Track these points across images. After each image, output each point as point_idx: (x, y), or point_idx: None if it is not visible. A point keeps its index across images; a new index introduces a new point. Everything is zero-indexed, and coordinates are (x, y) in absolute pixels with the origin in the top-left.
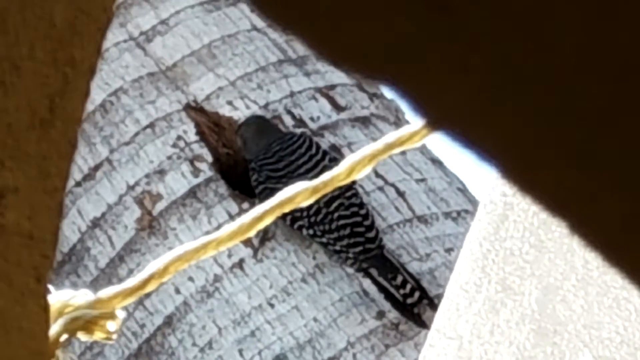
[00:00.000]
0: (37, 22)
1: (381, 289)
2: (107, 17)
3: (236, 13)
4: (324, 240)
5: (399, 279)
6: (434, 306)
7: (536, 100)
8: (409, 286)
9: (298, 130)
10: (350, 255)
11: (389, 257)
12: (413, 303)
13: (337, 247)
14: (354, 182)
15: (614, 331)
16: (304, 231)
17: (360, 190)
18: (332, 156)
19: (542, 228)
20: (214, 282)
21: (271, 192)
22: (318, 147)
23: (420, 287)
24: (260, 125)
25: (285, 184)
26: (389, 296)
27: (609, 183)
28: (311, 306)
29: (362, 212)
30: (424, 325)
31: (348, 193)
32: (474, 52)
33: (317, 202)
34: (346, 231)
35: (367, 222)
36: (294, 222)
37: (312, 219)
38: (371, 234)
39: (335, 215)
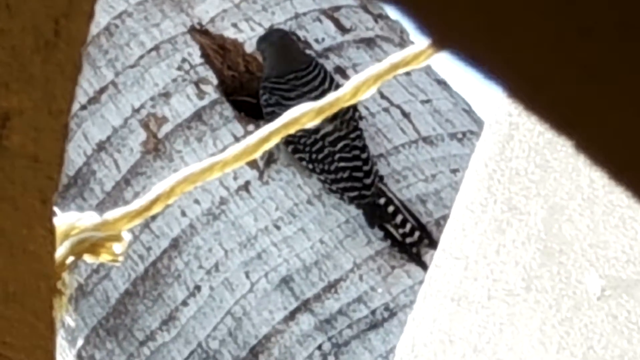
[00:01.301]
0: None
1: (381, 228)
2: None
3: None
4: (322, 178)
5: (399, 218)
6: (435, 246)
7: (541, 17)
8: (408, 225)
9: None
10: (345, 198)
11: (388, 196)
12: (412, 243)
13: (334, 188)
14: (358, 123)
15: (620, 250)
16: (304, 163)
17: (365, 111)
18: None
19: (548, 147)
20: (220, 204)
21: (278, 117)
22: (332, 81)
23: (421, 226)
24: (283, 44)
25: None
26: (388, 235)
27: (615, 101)
28: (317, 228)
29: (364, 156)
30: (423, 265)
31: (353, 134)
32: None
33: (322, 139)
34: (345, 174)
35: (366, 167)
36: (296, 153)
37: (314, 156)
38: (368, 180)
39: (337, 156)
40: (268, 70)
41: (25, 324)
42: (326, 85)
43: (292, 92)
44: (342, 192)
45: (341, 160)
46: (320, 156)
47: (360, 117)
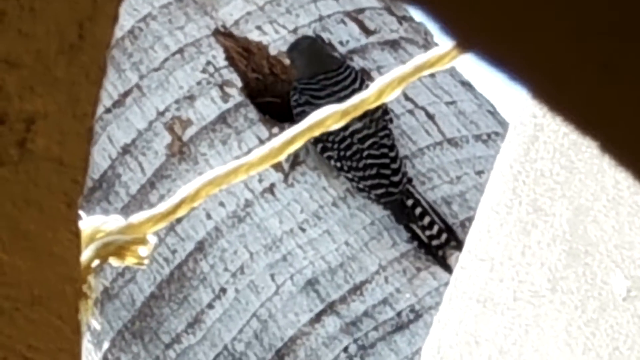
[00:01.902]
0: None
1: (407, 229)
2: None
3: None
4: (350, 175)
5: (426, 219)
6: (461, 248)
7: (564, 17)
8: (436, 228)
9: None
10: (372, 196)
11: (416, 197)
12: (439, 245)
13: (361, 186)
14: (387, 123)
15: None
16: (332, 162)
17: (390, 114)
18: None
19: (573, 149)
20: (245, 207)
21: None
22: (362, 81)
23: (448, 229)
24: (313, 49)
25: None
26: (414, 237)
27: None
28: (342, 230)
29: (392, 154)
30: (448, 267)
31: (382, 133)
32: None
33: (350, 136)
34: (372, 171)
35: (394, 166)
36: (324, 151)
37: (342, 153)
38: (396, 178)
39: (365, 153)
40: (299, 74)
41: (50, 327)
42: (357, 85)
43: (322, 91)
44: (369, 190)
45: (369, 158)
46: (349, 153)
47: (391, 120)
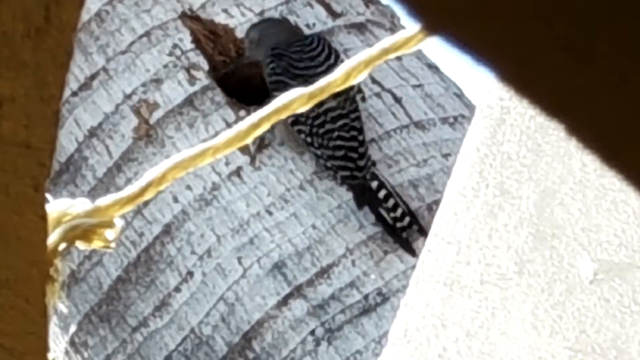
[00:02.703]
0: None
1: (373, 211)
2: None
3: None
4: (318, 152)
5: (391, 202)
6: (424, 233)
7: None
8: (399, 210)
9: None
10: (337, 177)
11: (381, 180)
12: (402, 227)
13: (328, 164)
14: (358, 105)
15: (612, 234)
16: (302, 135)
17: (363, 92)
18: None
19: (539, 131)
20: (212, 190)
21: (284, 86)
22: (337, 55)
23: (410, 212)
24: (279, 22)
25: (299, 85)
26: (380, 219)
27: (606, 85)
28: (309, 213)
29: (360, 138)
30: (412, 251)
31: (353, 115)
32: None
33: (324, 114)
34: (340, 152)
35: (361, 150)
36: (295, 124)
37: (314, 130)
38: (362, 162)
39: (336, 134)
40: (273, 41)
41: (17, 311)
42: (331, 60)
43: (300, 62)
44: (336, 170)
45: (339, 139)
46: (321, 131)
47: (364, 99)
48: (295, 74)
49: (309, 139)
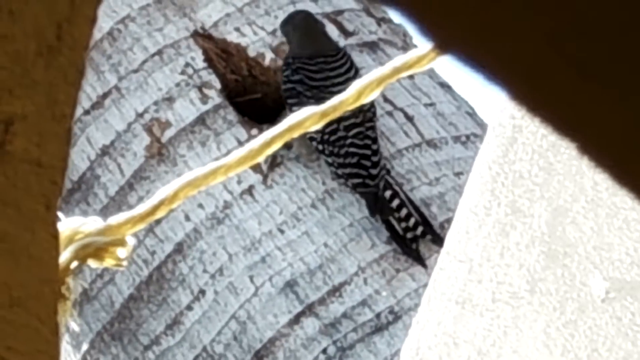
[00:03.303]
0: None
1: (384, 221)
2: None
3: None
4: (330, 160)
5: (403, 212)
6: (439, 241)
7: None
8: (412, 220)
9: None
10: (349, 184)
11: (394, 189)
12: (413, 238)
13: (339, 172)
14: (373, 116)
15: (624, 252)
16: (314, 143)
17: (375, 107)
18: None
19: (551, 150)
20: (224, 208)
21: (297, 95)
22: (357, 70)
23: (425, 221)
24: (308, 26)
25: (314, 96)
26: (389, 229)
27: (617, 103)
28: (321, 232)
29: (374, 147)
30: (421, 260)
31: (368, 124)
32: None
33: (337, 122)
34: (353, 160)
35: (374, 159)
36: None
37: (326, 137)
38: (374, 171)
39: (349, 141)
40: (296, 50)
41: (29, 329)
42: (351, 74)
43: (318, 73)
44: (347, 178)
45: (352, 146)
46: (333, 138)
47: (375, 114)
48: (311, 85)
49: (320, 147)
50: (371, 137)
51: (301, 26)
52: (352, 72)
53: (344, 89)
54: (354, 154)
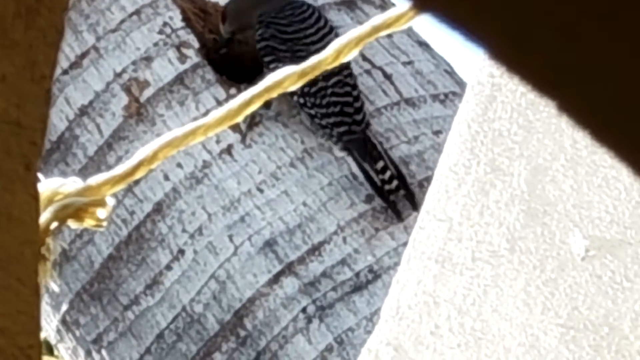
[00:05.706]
0: None
1: (362, 170)
2: None
3: None
4: (312, 112)
5: (380, 164)
6: (411, 197)
7: None
8: (388, 173)
9: None
10: (334, 133)
11: (372, 142)
12: (390, 190)
13: (323, 122)
14: (349, 64)
15: (603, 210)
16: (295, 97)
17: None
18: (338, 32)
19: (531, 108)
20: (203, 168)
21: (272, 51)
22: (326, 21)
23: (400, 176)
24: None
25: (289, 49)
26: (368, 179)
27: (597, 61)
28: (300, 191)
29: (355, 93)
30: (398, 214)
31: (345, 72)
32: None
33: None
34: (336, 109)
35: (357, 104)
36: None
37: (306, 89)
38: (358, 117)
39: (329, 91)
40: (264, 7)
41: (9, 290)
42: (321, 23)
43: (290, 26)
44: (332, 127)
45: (333, 95)
46: (313, 90)
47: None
48: (285, 39)
49: (301, 100)
50: (350, 84)
51: None
52: (321, 22)
53: (316, 40)
54: (336, 103)
